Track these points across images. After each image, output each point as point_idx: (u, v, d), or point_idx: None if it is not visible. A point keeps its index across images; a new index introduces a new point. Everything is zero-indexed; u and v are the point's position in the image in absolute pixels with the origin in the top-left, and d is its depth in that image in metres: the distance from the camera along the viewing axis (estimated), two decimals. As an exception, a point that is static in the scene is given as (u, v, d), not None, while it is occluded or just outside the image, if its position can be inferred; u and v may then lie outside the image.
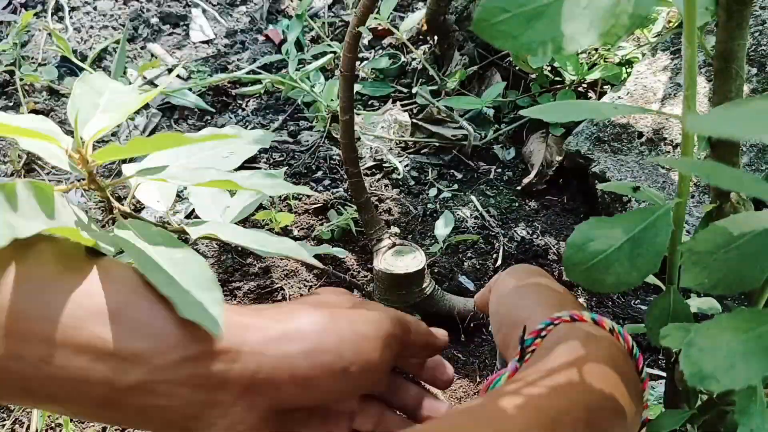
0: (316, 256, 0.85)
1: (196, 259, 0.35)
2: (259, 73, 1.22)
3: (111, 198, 0.41)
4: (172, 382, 0.37)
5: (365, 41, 1.32)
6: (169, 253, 0.36)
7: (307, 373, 0.40)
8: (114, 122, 0.39)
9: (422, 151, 1.08)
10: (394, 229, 0.78)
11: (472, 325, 0.77)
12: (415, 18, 1.11)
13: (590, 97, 1.05)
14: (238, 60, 1.31)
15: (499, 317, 0.44)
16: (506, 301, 0.44)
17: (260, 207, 0.95)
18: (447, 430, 0.33)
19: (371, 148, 1.06)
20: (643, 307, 0.80)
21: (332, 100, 1.07)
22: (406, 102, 1.15)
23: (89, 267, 0.38)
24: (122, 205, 0.41)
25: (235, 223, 0.90)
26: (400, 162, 1.03)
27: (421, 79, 1.18)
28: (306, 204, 0.95)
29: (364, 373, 0.42)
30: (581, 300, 0.79)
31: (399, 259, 0.73)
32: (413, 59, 1.22)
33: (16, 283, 0.36)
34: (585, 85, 1.06)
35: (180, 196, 0.98)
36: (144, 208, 0.94)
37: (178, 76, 1.27)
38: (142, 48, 1.33)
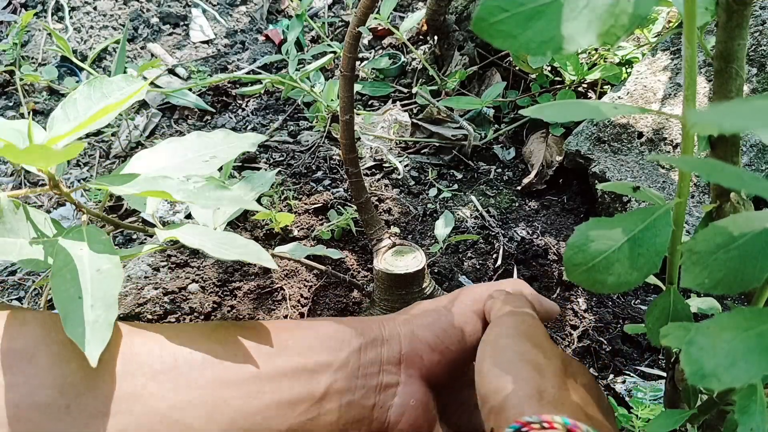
0: (317, 258, 0.85)
1: (117, 273, 0.37)
2: (259, 73, 1.22)
3: (78, 203, 0.42)
4: (350, 377, 0.45)
5: (365, 41, 1.32)
6: (100, 263, 0.38)
7: (436, 339, 0.48)
8: (78, 129, 0.39)
9: (422, 151, 1.08)
10: (394, 229, 0.78)
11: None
12: (415, 18, 1.11)
13: (590, 97, 1.05)
14: (238, 60, 1.31)
15: (481, 397, 0.42)
16: (487, 380, 0.42)
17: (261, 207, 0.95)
18: None
19: (371, 148, 1.06)
20: (643, 307, 0.80)
21: (332, 100, 1.07)
22: (406, 102, 1.15)
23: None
24: (99, 211, 0.41)
25: (233, 222, 0.90)
26: (400, 162, 1.03)
27: (421, 79, 1.18)
28: (306, 204, 0.95)
29: (475, 333, 0.50)
30: (581, 300, 0.79)
31: (399, 259, 0.73)
32: (413, 59, 1.22)
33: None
34: (585, 85, 1.06)
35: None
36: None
37: (178, 76, 1.27)
38: (142, 48, 1.33)
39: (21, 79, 1.17)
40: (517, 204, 0.96)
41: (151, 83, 1.24)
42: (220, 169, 0.95)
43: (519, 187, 0.99)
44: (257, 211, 0.90)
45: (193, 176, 0.40)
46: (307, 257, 0.83)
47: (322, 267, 0.74)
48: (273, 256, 0.68)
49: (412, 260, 0.72)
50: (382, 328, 0.49)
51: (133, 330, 0.42)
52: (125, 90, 0.43)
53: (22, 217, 0.41)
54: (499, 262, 0.84)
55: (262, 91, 1.21)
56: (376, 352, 0.47)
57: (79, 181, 1.08)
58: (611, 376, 0.72)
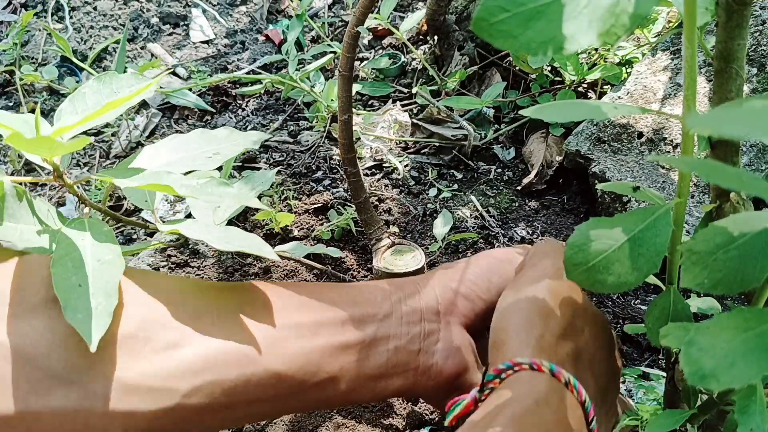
0: (317, 257, 0.85)
1: (119, 263, 0.38)
2: (259, 73, 1.22)
3: (81, 195, 0.43)
4: (395, 325, 0.49)
5: (365, 41, 1.32)
6: (102, 253, 0.38)
7: (467, 289, 0.52)
8: (85, 122, 0.39)
9: (422, 151, 1.08)
10: (394, 229, 0.78)
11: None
12: (415, 18, 1.11)
13: (590, 97, 1.05)
14: (238, 60, 1.31)
15: (491, 330, 0.47)
16: (498, 316, 0.46)
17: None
18: None
19: (371, 148, 1.06)
20: (643, 307, 0.80)
21: (332, 100, 1.07)
22: (406, 102, 1.15)
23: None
24: (100, 205, 0.41)
25: (233, 222, 0.90)
26: (400, 162, 1.03)
27: (421, 79, 1.18)
28: (306, 204, 0.95)
29: (503, 285, 0.51)
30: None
31: (398, 258, 0.73)
32: (413, 59, 1.22)
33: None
34: (585, 85, 1.06)
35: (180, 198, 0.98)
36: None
37: (178, 76, 1.28)
38: (142, 48, 1.33)
39: (21, 79, 1.17)
40: (517, 204, 0.96)
41: (151, 83, 1.24)
42: (220, 169, 0.95)
43: (519, 187, 0.99)
44: (257, 211, 0.91)
45: (196, 172, 0.41)
46: (307, 257, 0.83)
47: (322, 266, 0.74)
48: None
49: (412, 259, 0.72)
50: (416, 284, 0.53)
51: (196, 282, 0.45)
52: (134, 87, 0.43)
53: (25, 205, 0.41)
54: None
55: (262, 91, 1.21)
56: (415, 303, 0.51)
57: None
58: (611, 376, 0.72)
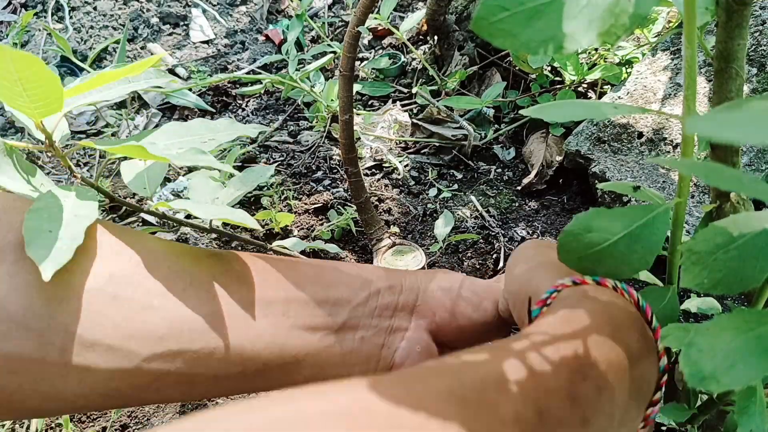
0: (317, 254, 0.85)
1: (92, 215, 0.39)
2: (259, 73, 1.22)
3: (71, 167, 0.43)
4: (367, 315, 0.48)
5: (365, 41, 1.32)
6: (80, 208, 0.39)
7: (452, 302, 0.51)
8: (86, 88, 0.40)
9: (422, 151, 1.08)
10: (394, 229, 0.78)
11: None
12: (415, 18, 1.11)
13: (590, 97, 1.05)
14: (238, 60, 1.31)
15: (513, 296, 0.45)
16: (517, 279, 0.45)
17: (261, 207, 0.95)
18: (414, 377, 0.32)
19: (371, 148, 1.06)
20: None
21: (332, 100, 1.07)
22: (406, 102, 1.15)
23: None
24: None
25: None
26: (400, 162, 1.03)
27: (421, 79, 1.18)
28: (306, 204, 0.95)
29: (491, 310, 0.51)
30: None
31: (399, 258, 0.73)
32: (413, 59, 1.22)
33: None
34: (585, 85, 1.06)
35: (180, 196, 0.98)
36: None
37: (178, 76, 1.27)
38: (142, 48, 1.33)
39: (21, 79, 1.17)
40: (517, 204, 0.96)
41: (151, 83, 1.24)
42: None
43: (519, 187, 0.99)
44: (257, 210, 0.91)
45: (177, 181, 0.42)
46: (308, 254, 0.82)
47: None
48: (272, 250, 0.68)
49: (412, 260, 0.72)
50: (403, 278, 0.52)
51: (174, 245, 0.44)
52: (152, 81, 0.44)
53: (11, 162, 0.42)
54: (500, 262, 0.84)
55: (262, 91, 1.21)
56: (393, 298, 0.50)
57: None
58: (611, 376, 0.72)
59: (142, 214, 0.97)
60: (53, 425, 0.72)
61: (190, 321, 0.40)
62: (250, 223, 0.44)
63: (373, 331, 0.49)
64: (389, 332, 0.49)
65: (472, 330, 0.52)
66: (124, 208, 0.98)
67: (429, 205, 0.96)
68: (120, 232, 0.42)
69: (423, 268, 0.72)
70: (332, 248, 0.73)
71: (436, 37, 1.15)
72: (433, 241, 0.88)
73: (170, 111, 1.20)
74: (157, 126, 1.16)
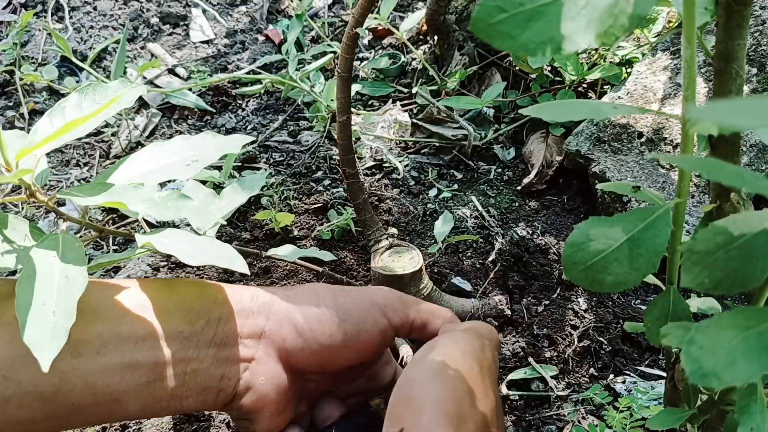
0: (315, 260, 0.85)
1: (82, 281, 0.38)
2: (259, 73, 1.22)
3: (58, 211, 0.43)
4: (201, 346, 0.45)
5: (365, 41, 1.32)
6: (68, 270, 0.38)
7: (305, 324, 0.47)
8: (53, 139, 0.40)
9: (422, 151, 1.08)
10: (394, 230, 0.78)
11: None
12: (415, 18, 1.11)
13: (590, 97, 1.05)
14: (238, 60, 1.31)
15: (403, 383, 0.42)
16: (420, 377, 0.41)
17: (261, 207, 0.95)
18: None
19: (371, 148, 1.06)
20: (643, 307, 0.80)
21: (332, 100, 1.07)
22: (406, 102, 1.15)
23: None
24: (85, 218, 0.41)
25: (233, 222, 0.90)
26: (400, 162, 1.03)
27: (421, 79, 1.18)
28: (306, 204, 0.95)
29: (359, 333, 0.47)
30: (581, 300, 0.79)
31: (396, 259, 0.73)
32: (413, 59, 1.22)
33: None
34: (585, 85, 1.06)
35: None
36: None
37: (178, 76, 1.27)
38: (142, 48, 1.33)
39: (21, 79, 1.17)
40: (517, 204, 0.96)
41: (151, 83, 1.24)
42: (220, 168, 0.95)
43: (519, 187, 0.99)
44: (258, 210, 0.90)
45: (177, 181, 0.41)
46: (305, 258, 0.83)
47: (320, 268, 0.74)
48: (269, 258, 0.68)
49: (410, 261, 0.72)
50: (254, 299, 0.48)
51: None
52: (122, 104, 0.43)
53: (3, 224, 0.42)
54: (498, 262, 0.84)
55: (262, 91, 1.21)
56: (236, 325, 0.46)
57: (78, 181, 1.08)
58: (611, 376, 0.72)
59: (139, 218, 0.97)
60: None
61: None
62: (238, 266, 0.42)
63: (209, 362, 0.45)
64: (230, 362, 0.46)
65: (331, 356, 0.47)
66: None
67: (429, 205, 0.96)
68: None
69: (421, 269, 0.72)
70: (327, 256, 0.73)
71: (436, 37, 1.15)
72: (433, 241, 0.88)
73: (170, 111, 1.20)
74: (156, 126, 1.16)
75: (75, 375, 0.41)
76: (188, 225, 0.88)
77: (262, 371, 0.47)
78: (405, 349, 0.62)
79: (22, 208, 0.99)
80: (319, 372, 0.50)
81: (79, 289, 0.37)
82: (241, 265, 0.43)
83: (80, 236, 0.82)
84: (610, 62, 1.02)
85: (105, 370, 0.41)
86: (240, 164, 1.06)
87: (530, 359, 0.73)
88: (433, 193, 1.00)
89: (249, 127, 1.16)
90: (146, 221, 0.96)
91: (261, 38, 1.37)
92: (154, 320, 0.44)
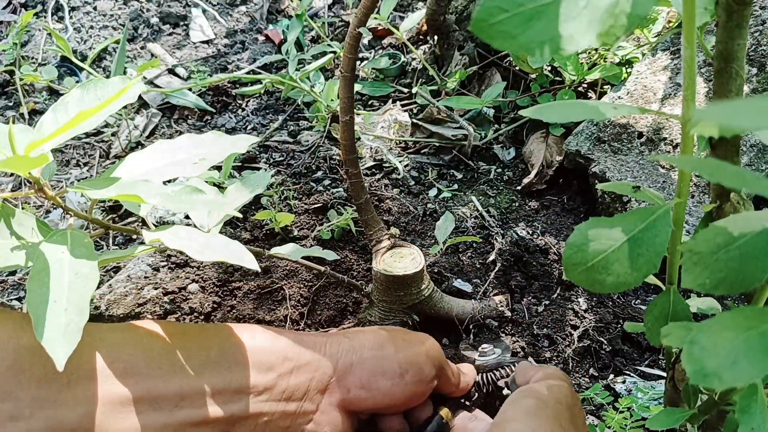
0: (317, 257, 0.85)
1: (93, 276, 0.38)
2: (259, 73, 1.22)
3: (65, 206, 0.43)
4: (272, 401, 0.46)
5: (365, 41, 1.32)
6: (79, 266, 0.38)
7: (370, 377, 0.49)
8: (62, 132, 0.39)
9: (422, 151, 1.08)
10: (394, 230, 0.78)
11: (471, 326, 0.77)
12: (415, 18, 1.11)
13: (590, 97, 1.05)
14: (238, 60, 1.31)
15: (500, 422, 0.45)
16: (516, 416, 0.44)
17: (261, 207, 0.95)
18: None
19: (371, 148, 1.06)
20: (643, 307, 0.80)
21: (332, 100, 1.07)
22: (406, 102, 1.15)
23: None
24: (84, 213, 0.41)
25: (234, 222, 0.90)
26: (400, 162, 1.03)
27: (421, 79, 1.18)
28: (306, 204, 0.95)
29: (415, 384, 0.51)
30: (581, 300, 0.79)
31: (398, 260, 0.73)
32: (413, 59, 1.22)
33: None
34: (585, 85, 1.06)
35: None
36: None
37: (178, 76, 1.27)
38: (142, 48, 1.33)
39: (21, 79, 1.17)
40: (517, 204, 0.96)
41: (151, 83, 1.24)
42: (220, 168, 0.95)
43: (519, 187, 0.99)
44: (258, 210, 0.90)
45: (179, 179, 0.41)
46: (307, 257, 0.83)
47: (321, 267, 0.74)
48: (270, 257, 0.68)
49: (411, 261, 0.72)
50: (322, 350, 0.50)
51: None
52: (122, 101, 0.43)
53: (7, 220, 0.41)
54: (498, 262, 0.84)
55: (262, 91, 1.21)
56: (306, 377, 0.48)
57: (79, 180, 1.08)
58: (611, 376, 0.72)
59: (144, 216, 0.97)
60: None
61: (59, 429, 0.38)
62: (247, 262, 0.42)
63: (278, 416, 0.46)
64: (297, 415, 0.47)
65: (390, 404, 0.50)
66: (123, 208, 0.98)
67: (429, 205, 0.96)
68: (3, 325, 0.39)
69: (422, 270, 0.72)
70: (330, 255, 0.73)
71: (436, 37, 1.15)
72: (433, 241, 0.87)
73: (170, 111, 1.20)
74: (156, 126, 1.16)
75: (151, 429, 0.41)
76: (188, 225, 0.88)
77: (326, 421, 0.49)
78: None
79: (23, 208, 0.99)
80: (377, 413, 0.53)
81: (91, 286, 0.37)
82: (249, 262, 0.42)
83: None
84: (610, 62, 1.02)
85: (182, 424, 0.42)
86: (240, 164, 1.06)
87: (530, 359, 0.73)
88: (433, 193, 1.00)
89: (249, 127, 1.16)
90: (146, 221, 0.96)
91: (261, 38, 1.37)
92: (230, 372, 0.44)
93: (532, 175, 0.98)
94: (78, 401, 0.39)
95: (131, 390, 0.41)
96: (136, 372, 0.42)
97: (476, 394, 0.63)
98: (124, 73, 1.21)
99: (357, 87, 1.16)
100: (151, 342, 0.44)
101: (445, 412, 0.57)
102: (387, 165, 1.04)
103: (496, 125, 1.08)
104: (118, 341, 0.43)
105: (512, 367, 0.61)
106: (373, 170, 1.04)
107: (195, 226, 0.57)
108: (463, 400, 0.62)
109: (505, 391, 0.60)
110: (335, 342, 0.51)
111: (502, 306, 0.78)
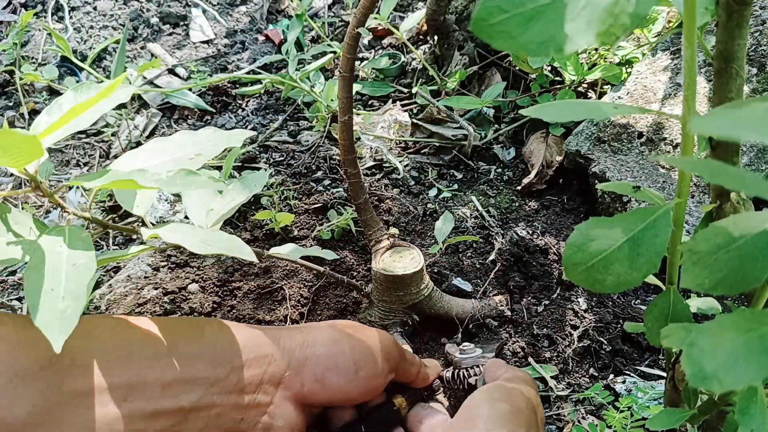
0: (317, 258, 0.85)
1: (91, 266, 0.38)
2: (259, 73, 1.22)
3: (62, 204, 0.43)
4: (225, 393, 0.46)
5: (365, 41, 1.32)
6: (76, 257, 0.38)
7: (324, 372, 0.50)
8: (56, 128, 0.39)
9: (422, 151, 1.08)
10: (394, 230, 0.78)
11: (471, 326, 0.77)
12: (415, 18, 1.11)
13: (590, 97, 1.05)
14: (238, 60, 1.31)
15: (465, 406, 0.48)
16: (477, 402, 0.48)
17: (261, 207, 0.95)
18: None
19: (371, 148, 1.06)
20: (643, 307, 0.80)
21: (332, 100, 1.07)
22: (406, 102, 1.15)
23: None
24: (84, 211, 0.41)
25: (233, 222, 0.90)
26: (400, 162, 1.03)
27: (421, 79, 1.18)
28: (306, 204, 0.95)
29: (369, 379, 0.52)
30: (581, 300, 0.79)
31: (397, 260, 0.73)
32: (413, 59, 1.22)
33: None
34: (585, 85, 1.06)
35: (179, 196, 0.98)
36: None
37: (178, 76, 1.27)
38: (142, 48, 1.33)
39: (21, 79, 1.17)
40: (517, 204, 0.96)
41: (151, 83, 1.24)
42: (220, 168, 0.95)
43: (519, 187, 0.99)
44: (257, 210, 0.90)
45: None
46: (307, 257, 0.83)
47: (321, 267, 0.74)
48: (270, 257, 0.68)
49: (410, 261, 0.72)
50: (276, 344, 0.50)
51: (20, 320, 0.42)
52: (120, 97, 0.43)
53: (4, 218, 0.41)
54: (498, 262, 0.84)
55: (262, 91, 1.21)
56: (260, 371, 0.48)
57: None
58: (611, 376, 0.72)
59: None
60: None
61: (8, 422, 0.38)
62: (245, 254, 0.42)
63: (230, 407, 0.47)
64: (250, 407, 0.48)
65: (343, 398, 0.51)
66: (123, 209, 0.98)
67: (429, 205, 0.96)
68: None
69: (422, 269, 0.72)
70: (329, 255, 0.73)
71: (436, 37, 1.15)
72: (433, 241, 0.87)
73: (170, 111, 1.20)
74: (156, 126, 1.16)
75: (102, 422, 0.41)
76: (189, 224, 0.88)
77: (280, 414, 0.49)
78: None
79: (22, 208, 0.99)
80: (329, 408, 0.54)
81: (88, 274, 0.37)
82: (248, 254, 0.43)
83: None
84: (610, 62, 1.02)
85: (131, 417, 0.42)
86: (240, 164, 1.06)
87: (530, 359, 0.73)
88: (433, 193, 0.99)
89: (249, 127, 1.16)
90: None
91: (261, 38, 1.37)
92: (181, 365, 0.45)
93: (532, 175, 0.98)
94: (25, 396, 0.39)
95: (81, 383, 0.41)
96: (86, 365, 0.42)
97: (442, 388, 0.66)
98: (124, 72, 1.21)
99: (357, 87, 1.16)
100: (102, 334, 0.44)
101: (399, 400, 0.58)
102: (387, 165, 1.04)
103: (496, 125, 1.08)
104: (74, 334, 0.43)
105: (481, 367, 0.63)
106: (373, 170, 1.04)
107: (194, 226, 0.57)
108: (426, 393, 0.64)
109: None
110: (290, 336, 0.51)
111: (502, 305, 0.78)
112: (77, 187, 1.00)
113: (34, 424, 0.39)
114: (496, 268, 0.83)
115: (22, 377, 0.39)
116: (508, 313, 0.78)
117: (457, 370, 0.64)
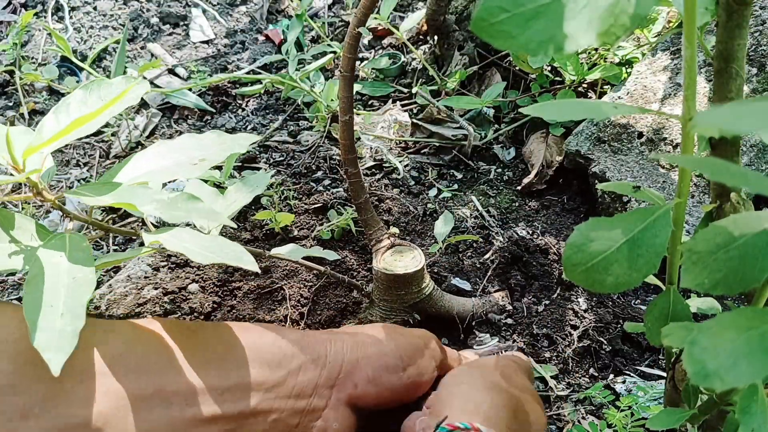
0: (317, 257, 0.85)
1: (91, 280, 0.38)
2: (259, 73, 1.22)
3: (64, 209, 0.43)
4: (281, 397, 0.46)
5: (365, 41, 1.32)
6: (76, 271, 0.38)
7: (375, 372, 0.51)
8: (63, 135, 0.39)
9: (422, 151, 1.08)
10: (394, 229, 0.78)
11: (473, 323, 0.77)
12: (415, 18, 1.11)
13: (590, 97, 1.05)
14: (238, 60, 1.31)
15: (446, 382, 0.51)
16: (447, 387, 0.50)
17: (261, 207, 0.95)
18: None
19: (371, 148, 1.06)
20: (643, 307, 0.80)
21: (332, 100, 1.07)
22: (406, 102, 1.15)
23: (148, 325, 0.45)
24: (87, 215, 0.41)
25: (234, 222, 0.89)
26: (400, 162, 1.03)
27: (421, 79, 1.18)
28: (306, 204, 0.95)
29: (417, 377, 0.53)
30: (581, 300, 0.79)
31: (398, 259, 0.73)
32: (413, 59, 1.22)
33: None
34: (585, 85, 1.06)
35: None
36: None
37: (178, 76, 1.27)
38: (142, 48, 1.33)
39: (21, 79, 1.17)
40: (517, 204, 0.96)
41: (151, 83, 1.24)
42: (221, 168, 0.95)
43: (519, 187, 0.99)
44: (258, 210, 0.90)
45: (177, 181, 0.41)
46: (307, 258, 0.83)
47: (321, 267, 0.74)
48: (271, 257, 0.68)
49: (411, 260, 0.72)
50: (328, 347, 0.50)
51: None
52: (125, 103, 0.43)
53: (6, 225, 0.41)
54: (498, 262, 0.84)
55: (262, 91, 1.21)
56: (315, 374, 0.49)
57: (79, 181, 1.08)
58: (611, 376, 0.72)
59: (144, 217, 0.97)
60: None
61: (72, 426, 0.38)
62: (246, 263, 0.42)
63: (287, 413, 0.47)
64: (306, 412, 0.48)
65: (393, 398, 0.52)
66: (122, 209, 0.98)
67: (429, 205, 0.96)
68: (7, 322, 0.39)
69: (422, 269, 0.72)
70: (330, 255, 0.73)
71: (436, 37, 1.15)
72: (433, 241, 0.88)
73: (170, 111, 1.20)
74: (156, 126, 1.16)
75: (163, 426, 0.41)
76: (188, 224, 0.88)
77: (334, 417, 0.49)
78: None
79: (22, 208, 0.99)
80: (380, 409, 0.54)
81: (87, 291, 0.37)
82: (250, 263, 0.42)
83: (83, 234, 0.82)
84: (610, 62, 1.02)
85: (191, 421, 0.42)
86: (240, 164, 1.06)
87: (530, 359, 0.73)
88: (433, 193, 0.99)
89: (249, 127, 1.16)
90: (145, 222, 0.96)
91: (261, 38, 1.37)
92: (238, 371, 0.45)
93: (532, 175, 0.98)
94: (90, 397, 0.39)
95: (142, 387, 0.41)
96: (147, 369, 0.42)
97: None
98: (124, 73, 1.21)
99: (357, 87, 1.16)
100: (161, 339, 0.44)
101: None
102: (387, 165, 1.04)
103: (496, 125, 1.08)
104: (129, 338, 0.43)
105: (502, 353, 0.64)
106: (373, 170, 1.04)
107: (195, 227, 0.57)
108: None
109: None
110: (339, 339, 0.52)
111: (503, 300, 0.78)
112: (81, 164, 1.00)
113: (98, 426, 0.38)
114: (495, 266, 0.83)
115: (87, 378, 0.39)
116: (510, 308, 0.78)
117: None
